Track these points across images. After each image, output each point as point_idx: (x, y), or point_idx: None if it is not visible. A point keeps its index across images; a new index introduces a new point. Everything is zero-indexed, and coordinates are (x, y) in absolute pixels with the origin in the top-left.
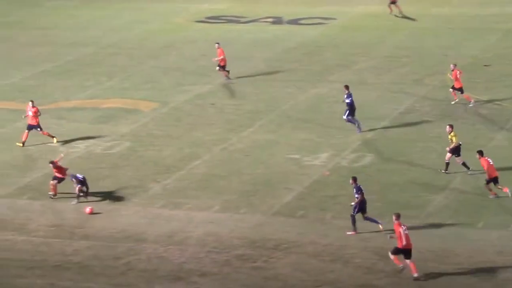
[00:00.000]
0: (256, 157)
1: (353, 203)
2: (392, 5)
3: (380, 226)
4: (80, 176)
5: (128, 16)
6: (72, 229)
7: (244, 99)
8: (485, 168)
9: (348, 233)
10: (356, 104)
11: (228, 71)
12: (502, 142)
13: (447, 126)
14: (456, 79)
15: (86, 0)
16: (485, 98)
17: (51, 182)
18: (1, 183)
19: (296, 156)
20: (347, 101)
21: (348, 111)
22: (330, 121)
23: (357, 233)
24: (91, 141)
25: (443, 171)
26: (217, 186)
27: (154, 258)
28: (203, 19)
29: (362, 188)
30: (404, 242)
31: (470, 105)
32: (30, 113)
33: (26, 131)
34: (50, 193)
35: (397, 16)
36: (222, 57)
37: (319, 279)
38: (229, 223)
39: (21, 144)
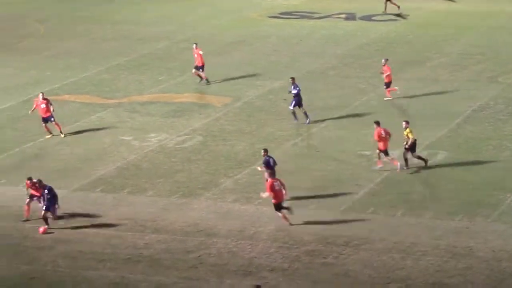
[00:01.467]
0: (327, 153)
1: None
2: (388, 2)
3: (263, 195)
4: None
5: (202, 10)
6: (143, 222)
7: (316, 95)
8: (376, 138)
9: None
10: (426, 101)
11: (201, 74)
12: None
13: (403, 122)
14: (386, 73)
15: None
16: None
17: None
18: (75, 176)
19: (367, 153)
20: (294, 92)
21: (294, 102)
22: (402, 118)
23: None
24: (163, 135)
25: (404, 167)
26: (287, 181)
27: (224, 253)
28: (276, 15)
29: (271, 161)
30: (275, 198)
31: (386, 99)
32: (43, 106)
33: (43, 124)
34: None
35: (391, 13)
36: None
37: (389, 276)
38: (299, 219)
39: (50, 135)
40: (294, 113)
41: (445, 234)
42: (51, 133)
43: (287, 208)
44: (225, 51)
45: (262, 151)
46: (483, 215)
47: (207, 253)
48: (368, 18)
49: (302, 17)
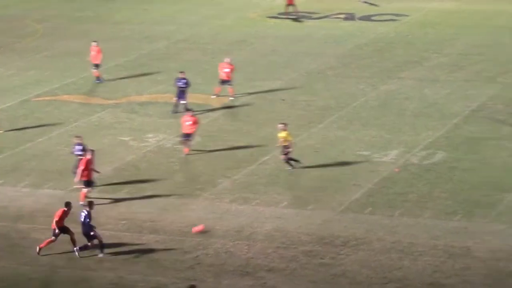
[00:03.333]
0: (326, 153)
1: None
2: (290, 7)
3: (85, 189)
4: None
5: (202, 11)
6: (141, 222)
7: (315, 95)
8: (192, 126)
9: (79, 186)
10: (425, 101)
11: (95, 72)
12: None
13: (281, 124)
14: (225, 72)
15: None
16: None
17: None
18: (73, 176)
19: (366, 153)
20: (179, 84)
21: (182, 95)
22: (401, 118)
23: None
24: (161, 135)
25: (289, 167)
26: (286, 181)
27: (222, 253)
28: (276, 15)
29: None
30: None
31: (231, 99)
32: None
33: None
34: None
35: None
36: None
37: (386, 277)
38: (297, 219)
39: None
40: (187, 107)
41: (443, 234)
42: None
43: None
44: (225, 51)
45: (76, 138)
46: (481, 215)
47: (204, 254)
48: (367, 18)
49: (301, 17)
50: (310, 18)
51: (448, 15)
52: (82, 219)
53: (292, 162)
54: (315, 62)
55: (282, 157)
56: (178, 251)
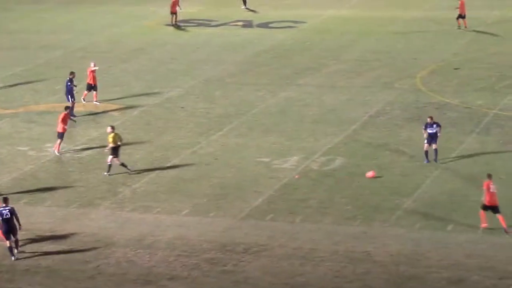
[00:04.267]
0: (226, 160)
1: None
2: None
3: None
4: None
5: (99, 19)
6: (41, 233)
7: (214, 103)
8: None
9: None
10: (323, 108)
11: None
12: (472, 145)
13: (109, 127)
14: (92, 77)
15: (56, 4)
16: (455, 101)
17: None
18: None
19: (266, 160)
20: (68, 85)
21: (72, 98)
22: (300, 125)
23: None
24: (60, 145)
25: (105, 173)
26: (186, 189)
27: (123, 262)
28: (174, 23)
29: None
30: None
31: (96, 103)
32: None
33: None
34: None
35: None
36: None
37: (288, 283)
38: (198, 227)
39: None
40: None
41: (344, 239)
42: None
43: None
44: (123, 59)
45: None
46: (380, 219)
47: (105, 263)
48: (265, 25)
49: (199, 25)
50: (209, 25)
51: (345, 22)
52: (8, 216)
53: (110, 167)
54: (213, 70)
55: (110, 159)
56: (78, 261)
